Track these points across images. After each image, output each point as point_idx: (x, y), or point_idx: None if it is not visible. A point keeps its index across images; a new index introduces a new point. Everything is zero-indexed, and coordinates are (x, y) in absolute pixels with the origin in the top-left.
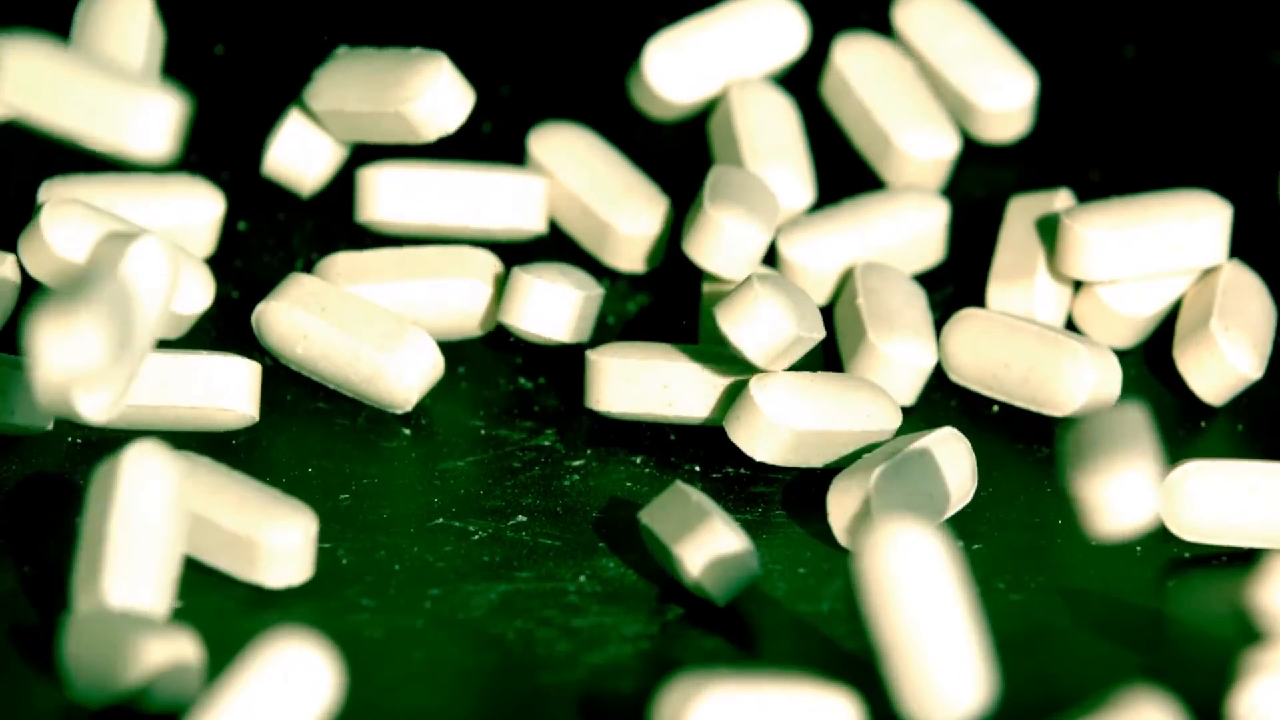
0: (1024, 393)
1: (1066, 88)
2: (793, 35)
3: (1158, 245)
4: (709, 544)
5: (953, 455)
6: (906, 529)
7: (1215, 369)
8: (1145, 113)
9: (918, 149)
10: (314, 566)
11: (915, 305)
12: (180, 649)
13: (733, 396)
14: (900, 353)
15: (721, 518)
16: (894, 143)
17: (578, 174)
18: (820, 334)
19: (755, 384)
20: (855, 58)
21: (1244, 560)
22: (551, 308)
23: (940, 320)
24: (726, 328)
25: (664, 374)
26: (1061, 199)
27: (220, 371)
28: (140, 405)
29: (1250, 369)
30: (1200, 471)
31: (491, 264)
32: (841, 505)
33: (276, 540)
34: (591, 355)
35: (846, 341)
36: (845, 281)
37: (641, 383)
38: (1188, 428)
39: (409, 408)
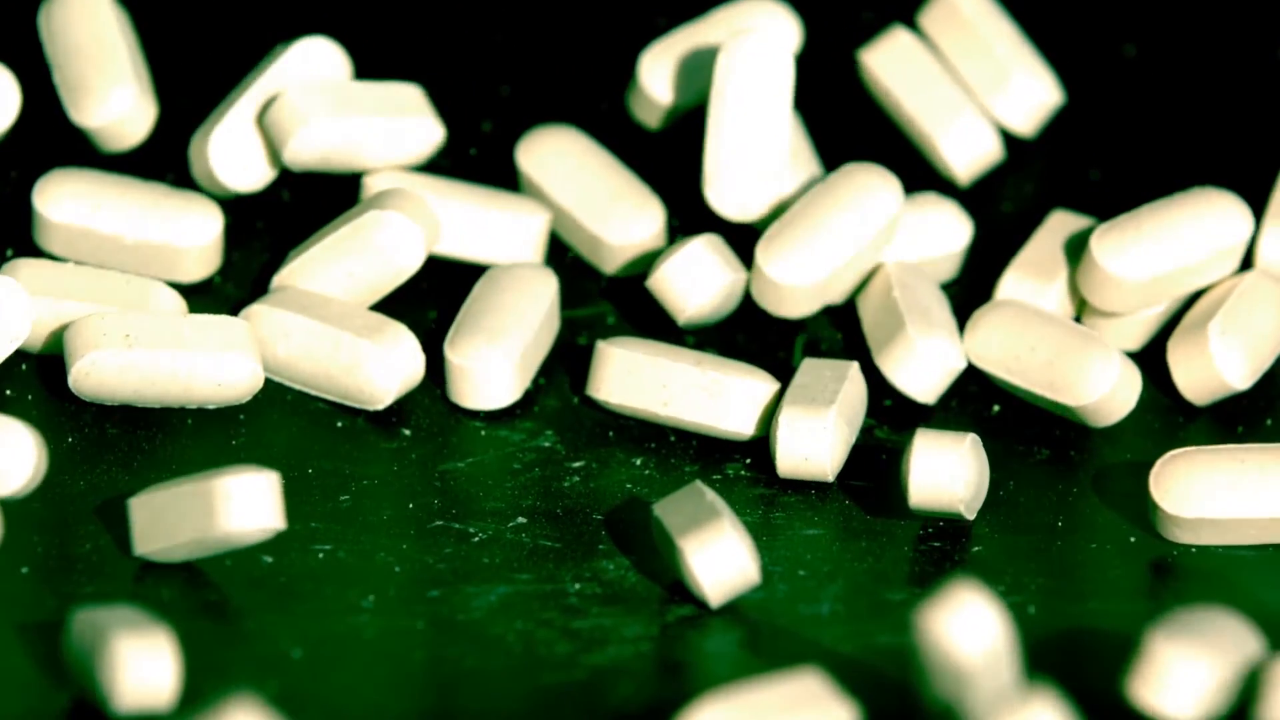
0: (1044, 377)
1: (1067, 88)
2: (785, 36)
3: (1184, 275)
4: (713, 543)
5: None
6: (972, 600)
7: (1202, 370)
8: (1146, 112)
9: (976, 142)
10: (283, 520)
11: (945, 308)
12: (156, 653)
13: (748, 409)
14: (936, 349)
15: (731, 521)
16: (963, 121)
17: (565, 186)
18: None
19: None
20: (915, 42)
21: (1244, 561)
22: (489, 380)
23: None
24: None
25: (664, 373)
26: None
27: (227, 327)
28: (153, 356)
29: (1237, 379)
30: (1185, 454)
31: (406, 194)
32: (930, 466)
33: (233, 481)
34: (601, 343)
35: (878, 333)
36: (874, 274)
37: (641, 377)
38: (1185, 427)
39: (386, 402)
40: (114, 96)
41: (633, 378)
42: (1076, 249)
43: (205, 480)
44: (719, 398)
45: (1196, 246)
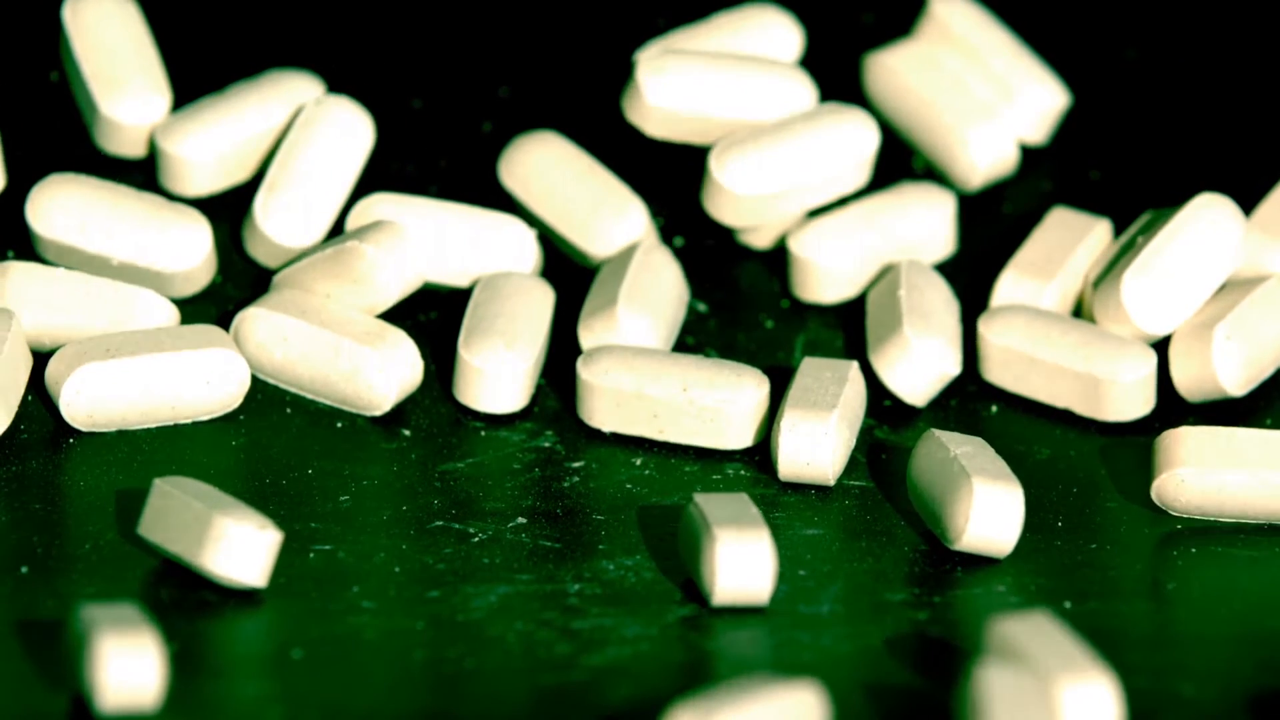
0: (1075, 356)
1: (1068, 89)
2: (788, 45)
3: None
4: (749, 544)
5: None
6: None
7: (1200, 370)
8: (1147, 114)
9: (1000, 148)
10: (266, 580)
11: (952, 314)
12: (140, 653)
13: (749, 422)
14: (930, 350)
15: (771, 539)
16: (1000, 108)
17: (547, 201)
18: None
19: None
20: (935, 49)
21: (1242, 561)
22: (503, 383)
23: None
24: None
25: (652, 404)
26: (1101, 227)
27: (205, 331)
28: (136, 363)
29: (1233, 385)
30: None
31: (391, 228)
32: (986, 521)
33: (234, 527)
34: (584, 374)
35: (877, 329)
36: (885, 273)
37: (631, 408)
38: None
39: (385, 408)
40: (150, 99)
41: (622, 409)
42: (1102, 269)
43: (215, 510)
44: (711, 423)
45: (1217, 282)
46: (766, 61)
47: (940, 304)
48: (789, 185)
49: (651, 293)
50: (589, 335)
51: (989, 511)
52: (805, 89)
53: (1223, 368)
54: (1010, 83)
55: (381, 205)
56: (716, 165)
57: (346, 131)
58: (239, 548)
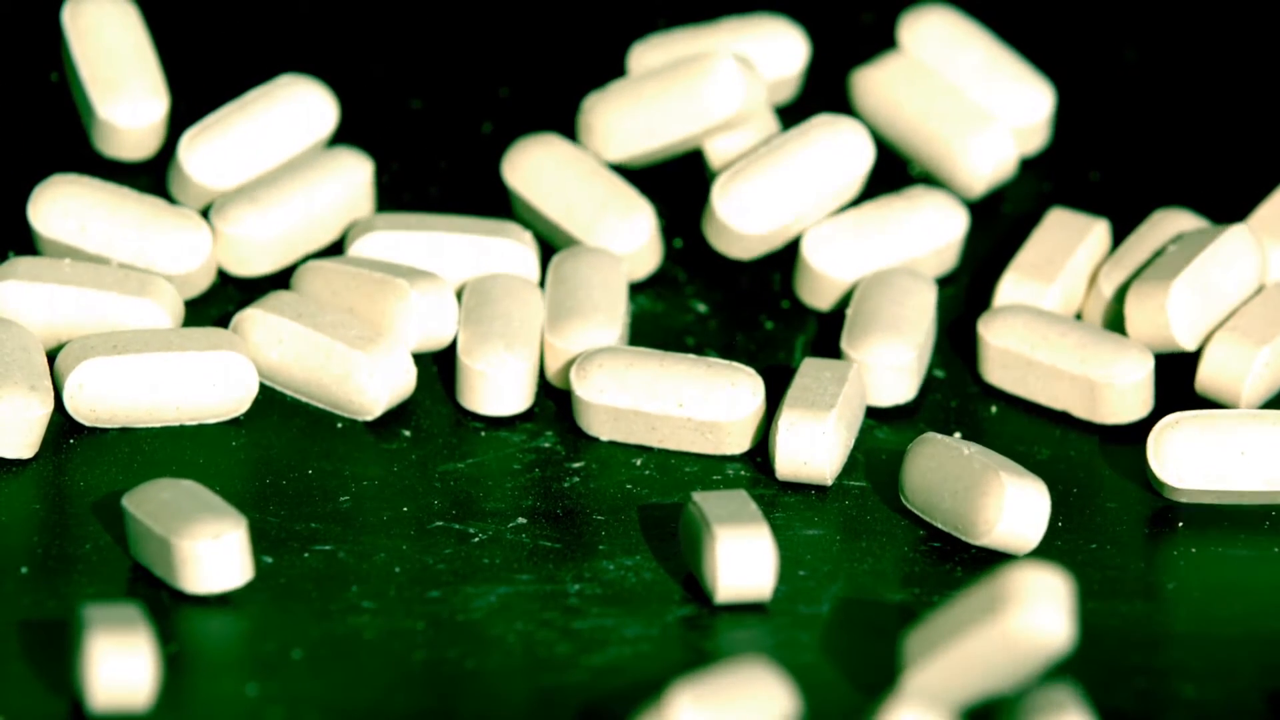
0: (1072, 359)
1: (1068, 89)
2: (794, 54)
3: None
4: (749, 541)
5: None
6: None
7: (1230, 383)
8: (1146, 114)
9: (999, 153)
10: (250, 571)
11: (905, 302)
12: (132, 653)
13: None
14: (873, 356)
15: (770, 533)
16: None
17: (552, 200)
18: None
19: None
20: (919, 62)
21: (1242, 561)
22: (506, 386)
23: (942, 321)
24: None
25: (649, 420)
26: (1100, 228)
27: (214, 333)
28: (142, 359)
29: (1248, 406)
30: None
31: (438, 282)
32: (1017, 518)
33: (198, 545)
34: (579, 391)
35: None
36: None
37: (628, 422)
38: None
39: (376, 413)
40: (147, 102)
41: (619, 423)
42: (1128, 275)
43: (170, 534)
44: (709, 435)
45: (1242, 280)
46: (691, 66)
47: (887, 300)
48: (793, 216)
49: (577, 301)
50: (558, 378)
51: (1020, 507)
52: (730, 89)
53: (1250, 389)
54: (991, 101)
55: (378, 229)
56: (719, 196)
57: (335, 167)
58: (206, 563)
